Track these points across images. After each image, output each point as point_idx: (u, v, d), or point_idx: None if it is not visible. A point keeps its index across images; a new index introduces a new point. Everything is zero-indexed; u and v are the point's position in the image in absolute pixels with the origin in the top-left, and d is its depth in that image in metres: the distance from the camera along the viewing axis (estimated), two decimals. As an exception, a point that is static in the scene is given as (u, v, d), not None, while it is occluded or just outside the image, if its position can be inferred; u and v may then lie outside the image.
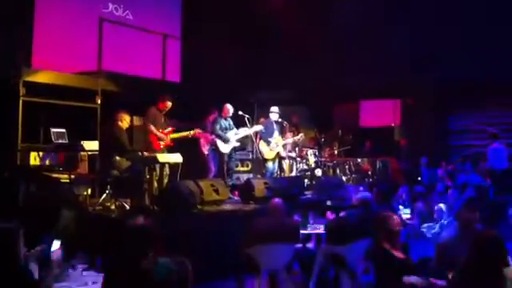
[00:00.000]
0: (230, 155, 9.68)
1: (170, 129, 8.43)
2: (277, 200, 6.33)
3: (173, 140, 8.42)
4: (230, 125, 9.70)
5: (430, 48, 12.31)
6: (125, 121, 8.02)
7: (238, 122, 9.91)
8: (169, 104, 8.46)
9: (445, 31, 11.95)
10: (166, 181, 8.14)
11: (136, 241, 3.58)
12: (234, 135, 9.65)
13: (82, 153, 8.53)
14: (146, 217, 4.06)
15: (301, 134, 11.20)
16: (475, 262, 3.72)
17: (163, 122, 8.44)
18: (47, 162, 8.50)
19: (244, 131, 9.84)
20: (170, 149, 8.47)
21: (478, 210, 5.54)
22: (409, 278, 4.47)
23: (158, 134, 8.22)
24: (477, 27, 11.34)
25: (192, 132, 8.66)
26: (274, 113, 10.46)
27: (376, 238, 4.86)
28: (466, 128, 13.91)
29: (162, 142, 8.26)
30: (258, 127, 10.06)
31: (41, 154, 8.42)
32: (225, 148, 9.52)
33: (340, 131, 13.51)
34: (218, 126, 9.53)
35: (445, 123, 14.39)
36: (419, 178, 12.25)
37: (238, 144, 9.81)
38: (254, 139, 10.20)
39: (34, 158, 8.34)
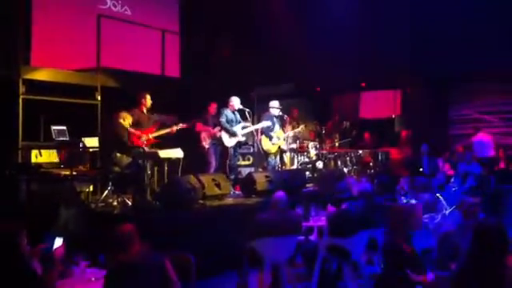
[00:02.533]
0: (234, 149, 9.64)
1: (150, 126, 8.33)
2: (280, 193, 6.33)
3: (156, 138, 8.23)
4: (236, 118, 9.64)
5: (430, 37, 12.28)
6: (127, 119, 7.98)
7: (239, 116, 9.89)
8: (148, 97, 8.31)
9: (444, 20, 11.93)
10: (166, 176, 8.10)
11: (121, 241, 3.96)
12: (241, 129, 9.60)
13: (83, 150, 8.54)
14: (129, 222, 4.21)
15: (301, 126, 11.19)
16: (477, 251, 3.71)
17: (148, 121, 8.27)
18: (51, 160, 8.51)
19: (250, 126, 9.79)
20: (171, 144, 8.43)
21: (481, 199, 5.55)
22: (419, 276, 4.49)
23: (136, 132, 7.95)
24: (476, 16, 11.32)
25: (175, 127, 8.42)
26: (274, 108, 10.41)
27: (391, 230, 4.88)
28: (466, 117, 13.89)
29: (143, 141, 8.12)
30: (266, 123, 9.99)
31: (42, 151, 8.42)
32: (229, 142, 9.46)
33: (347, 123, 13.41)
34: (224, 119, 9.43)
35: (445, 113, 14.36)
36: (421, 169, 12.25)
37: (243, 139, 9.74)
38: (255, 133, 10.17)
39: (35, 156, 8.35)
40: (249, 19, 12.40)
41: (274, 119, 10.29)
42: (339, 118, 13.61)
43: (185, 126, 8.70)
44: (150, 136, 8.09)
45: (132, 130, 7.98)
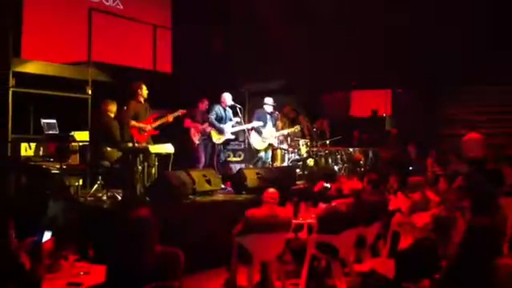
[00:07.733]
0: (222, 146, 9.64)
1: (149, 116, 8.30)
2: (271, 190, 6.32)
3: (156, 128, 8.23)
4: (227, 115, 9.64)
5: (421, 39, 12.35)
6: (112, 111, 7.99)
7: (231, 113, 9.88)
8: (143, 87, 8.23)
9: (435, 22, 12.01)
10: (155, 171, 8.07)
11: (142, 232, 3.60)
12: (231, 127, 9.61)
13: (73, 143, 8.49)
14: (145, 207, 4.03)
15: (296, 127, 11.17)
16: (468, 251, 3.69)
17: (146, 112, 8.24)
18: (40, 153, 8.45)
19: (241, 124, 9.80)
20: (162, 139, 8.41)
21: (469, 199, 5.55)
22: None
23: (140, 125, 8.02)
24: (466, 18, 11.41)
25: (173, 114, 8.38)
26: (268, 104, 10.44)
27: None
28: (454, 117, 13.96)
29: (144, 133, 8.10)
30: (257, 123, 10.02)
31: (32, 145, 8.36)
32: (218, 139, 9.48)
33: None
34: (213, 116, 9.46)
35: (434, 113, 14.41)
36: (410, 168, 12.27)
37: (232, 137, 9.76)
38: (246, 130, 10.16)
39: (25, 149, 8.29)
40: (241, 15, 12.39)
41: (268, 116, 10.32)
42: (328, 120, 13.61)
43: (183, 112, 8.59)
44: (150, 127, 8.08)
45: (134, 122, 7.95)
